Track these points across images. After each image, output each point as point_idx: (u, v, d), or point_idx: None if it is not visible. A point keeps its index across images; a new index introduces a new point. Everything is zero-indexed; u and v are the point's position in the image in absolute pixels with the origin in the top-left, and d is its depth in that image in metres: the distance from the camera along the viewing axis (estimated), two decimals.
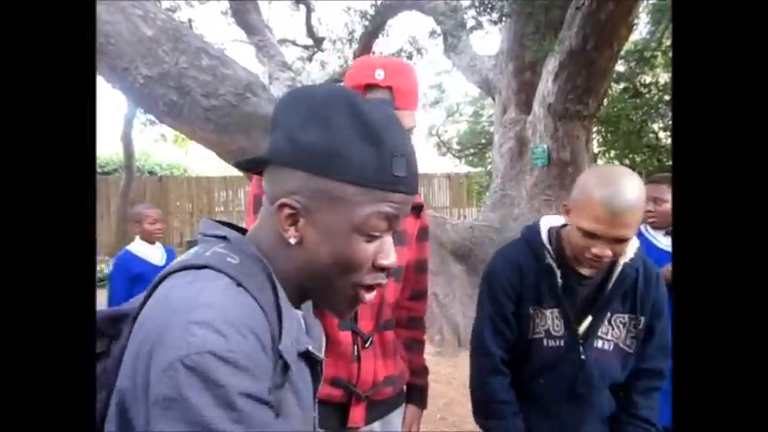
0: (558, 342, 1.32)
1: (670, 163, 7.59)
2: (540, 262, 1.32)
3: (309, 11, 8.69)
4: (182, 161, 15.60)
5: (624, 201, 1.14)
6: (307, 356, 0.66)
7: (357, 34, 7.46)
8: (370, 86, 1.17)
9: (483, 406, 1.40)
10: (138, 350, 0.54)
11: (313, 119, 0.60)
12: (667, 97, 6.71)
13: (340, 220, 0.61)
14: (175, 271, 0.60)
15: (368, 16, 7.25)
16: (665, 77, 7.24)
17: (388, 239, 0.64)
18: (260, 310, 0.57)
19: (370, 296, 0.65)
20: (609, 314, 1.31)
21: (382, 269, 0.64)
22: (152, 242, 3.08)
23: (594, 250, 1.18)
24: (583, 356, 1.29)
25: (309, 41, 9.24)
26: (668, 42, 7.04)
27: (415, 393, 1.44)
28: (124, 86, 3.54)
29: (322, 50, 9.30)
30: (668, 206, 2.05)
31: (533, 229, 1.38)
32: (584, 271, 1.29)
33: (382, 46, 7.86)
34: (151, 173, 13.79)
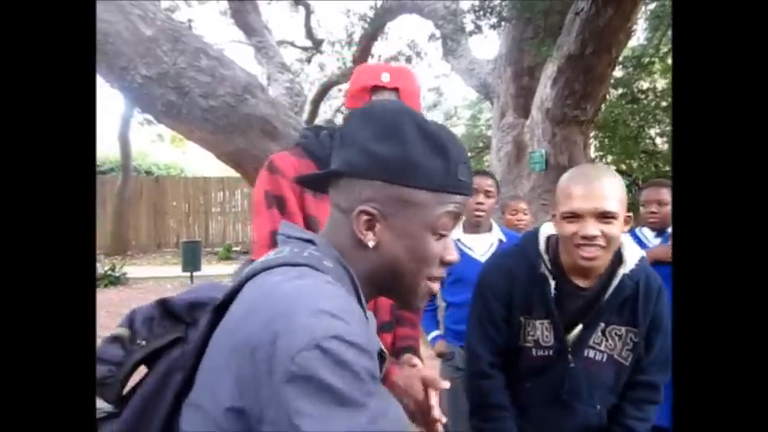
0: (546, 352, 1.30)
1: (666, 168, 7.62)
2: (534, 271, 1.30)
3: (309, 12, 8.70)
4: (179, 161, 15.56)
5: (594, 173, 1.21)
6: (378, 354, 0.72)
7: (356, 37, 7.47)
8: (376, 88, 1.20)
9: (476, 409, 1.40)
10: (256, 340, 0.55)
11: (386, 133, 0.67)
12: (664, 103, 6.75)
13: (415, 222, 0.67)
14: (273, 267, 0.63)
15: (367, 19, 7.26)
16: (662, 83, 7.28)
17: (450, 238, 0.72)
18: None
19: (436, 287, 0.73)
20: (603, 325, 1.29)
21: (447, 264, 0.72)
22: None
23: (581, 231, 1.17)
24: (572, 365, 1.28)
25: (308, 43, 9.24)
26: (665, 49, 7.08)
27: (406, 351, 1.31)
28: (122, 86, 3.52)
29: (321, 52, 9.30)
30: (670, 208, 2.10)
31: (531, 237, 1.37)
32: (581, 282, 1.27)
33: (381, 49, 7.87)
34: (148, 173, 13.75)
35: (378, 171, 0.66)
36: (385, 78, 1.19)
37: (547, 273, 1.28)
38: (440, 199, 0.68)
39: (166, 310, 0.68)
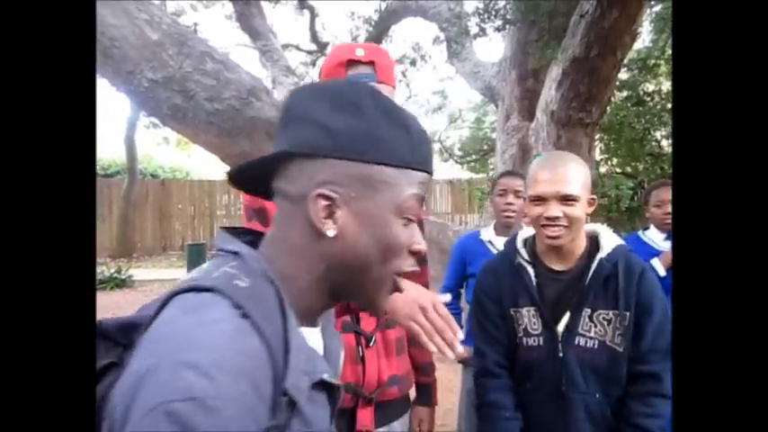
0: (536, 340, 1.34)
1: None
2: (513, 264, 1.40)
3: (313, 16, 8.72)
4: (184, 164, 15.63)
5: (557, 160, 1.33)
6: (323, 383, 0.60)
7: (361, 40, 7.49)
8: (351, 62, 1.19)
9: (478, 408, 1.42)
10: (124, 382, 0.50)
11: (343, 106, 0.59)
12: (670, 105, 6.72)
13: (381, 205, 0.60)
14: (184, 291, 0.56)
15: (372, 22, 7.28)
16: (667, 86, 7.25)
17: (416, 226, 0.64)
18: (262, 347, 0.53)
19: (405, 284, 0.66)
20: (590, 310, 1.31)
21: (416, 254, 0.64)
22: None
23: (546, 213, 1.29)
24: (561, 353, 1.30)
25: (313, 46, 9.27)
26: (671, 51, 7.05)
27: (420, 391, 1.44)
28: (129, 90, 3.55)
29: (325, 55, 9.32)
30: None
31: (512, 238, 1.49)
32: (556, 266, 1.35)
33: None
34: (153, 176, 13.83)
35: (336, 147, 0.58)
36: (360, 53, 1.19)
37: (524, 262, 1.39)
38: (406, 177, 0.60)
39: (99, 332, 0.61)
